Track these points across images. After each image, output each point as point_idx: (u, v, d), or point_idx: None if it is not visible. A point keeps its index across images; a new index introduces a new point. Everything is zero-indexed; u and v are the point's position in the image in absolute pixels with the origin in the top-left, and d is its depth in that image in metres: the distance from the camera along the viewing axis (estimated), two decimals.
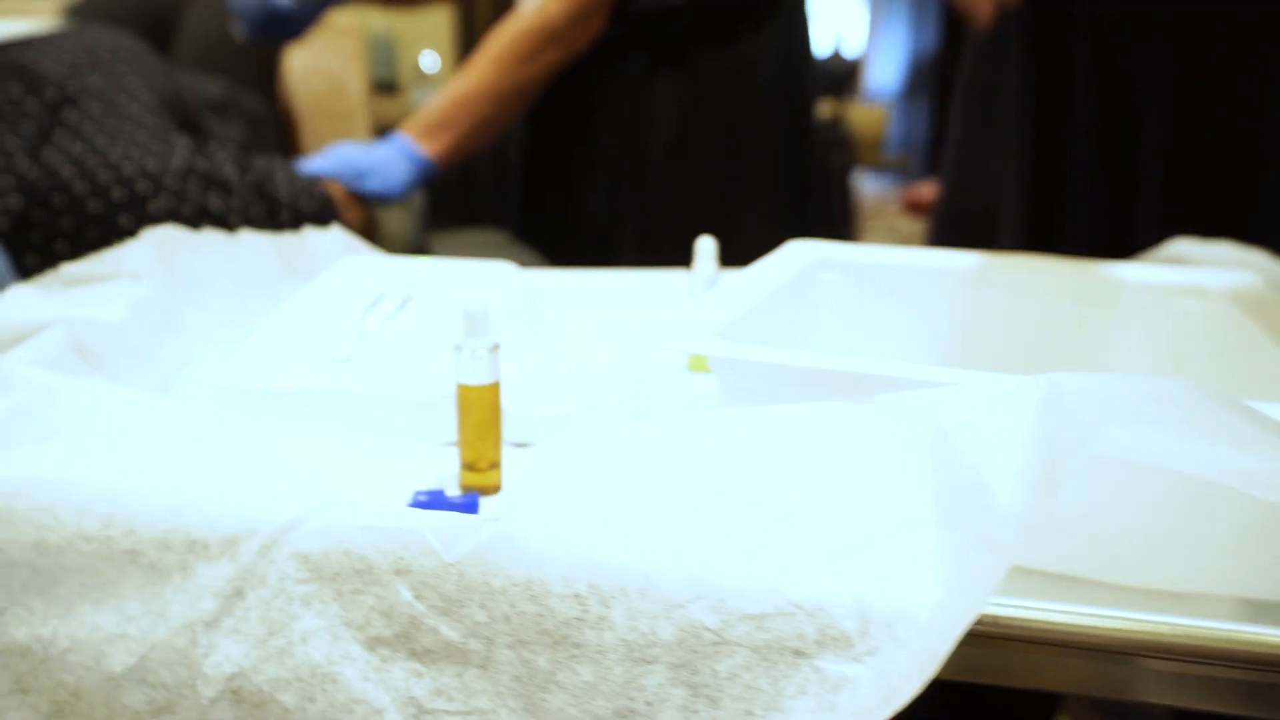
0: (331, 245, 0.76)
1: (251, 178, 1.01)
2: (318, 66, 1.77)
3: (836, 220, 2.51)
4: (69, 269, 0.55)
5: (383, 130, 2.48)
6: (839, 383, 0.43)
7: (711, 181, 1.47)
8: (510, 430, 0.54)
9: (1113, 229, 1.09)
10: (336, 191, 1.18)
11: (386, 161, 1.13)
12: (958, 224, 1.22)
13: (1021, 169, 1.19)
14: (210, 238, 0.63)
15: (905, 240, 5.17)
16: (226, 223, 0.96)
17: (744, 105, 1.45)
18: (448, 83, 1.22)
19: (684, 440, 0.40)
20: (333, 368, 0.58)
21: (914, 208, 2.81)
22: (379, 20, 4.68)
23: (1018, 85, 1.15)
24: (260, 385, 0.56)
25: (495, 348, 0.49)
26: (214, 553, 0.35)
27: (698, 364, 0.72)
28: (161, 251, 0.59)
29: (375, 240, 1.25)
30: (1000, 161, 1.17)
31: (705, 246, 0.70)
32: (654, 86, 1.45)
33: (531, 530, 0.33)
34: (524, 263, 1.35)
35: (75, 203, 0.90)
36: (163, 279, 0.57)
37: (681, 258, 1.49)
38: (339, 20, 1.80)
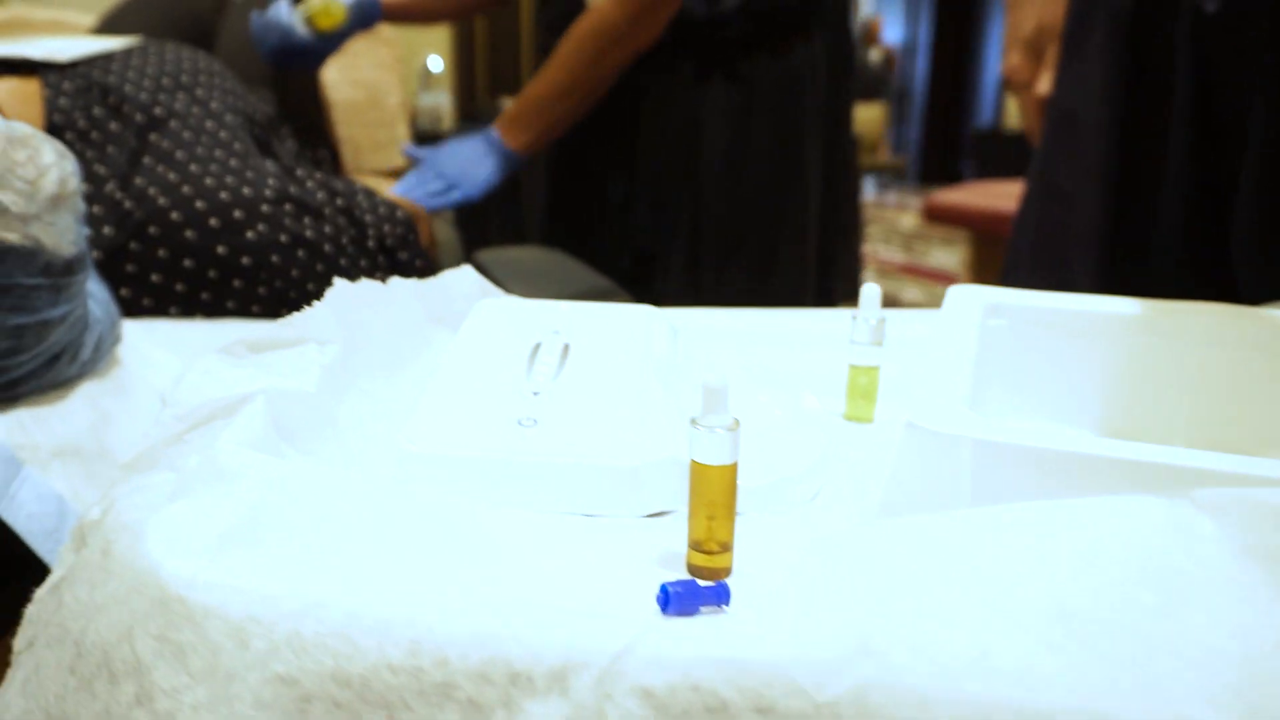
0: (467, 287, 0.72)
1: (340, 203, 0.97)
2: (356, 78, 1.72)
3: (848, 226, 2.51)
4: (255, 335, 0.51)
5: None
6: (1136, 474, 0.41)
7: (762, 190, 1.46)
8: None
9: (1202, 251, 1.07)
10: (412, 209, 1.15)
11: (475, 160, 1.18)
12: (1043, 244, 1.20)
13: (1102, 190, 1.17)
14: (371, 289, 0.60)
15: (909, 240, 5.16)
16: (320, 250, 0.93)
17: (794, 113, 1.44)
18: (525, 83, 1.27)
19: (993, 543, 0.38)
20: (520, 431, 0.54)
21: (938, 215, 2.80)
22: None
23: (1102, 97, 1.13)
24: (449, 452, 0.52)
25: (736, 425, 0.46)
26: (541, 687, 0.32)
27: (856, 413, 0.69)
28: (341, 311, 0.55)
29: (436, 256, 1.22)
30: (1082, 179, 1.15)
31: (870, 293, 0.67)
32: (705, 96, 1.43)
33: (915, 665, 0.31)
34: (593, 285, 1.31)
35: (172, 232, 0.86)
36: (344, 341, 0.54)
37: (730, 270, 1.45)
38: (379, 30, 1.75)
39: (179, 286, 0.90)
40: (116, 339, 0.80)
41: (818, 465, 0.56)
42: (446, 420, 0.55)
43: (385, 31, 1.79)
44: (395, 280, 0.64)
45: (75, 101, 0.92)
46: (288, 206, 0.91)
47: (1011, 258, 1.21)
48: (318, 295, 0.90)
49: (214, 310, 0.93)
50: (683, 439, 0.48)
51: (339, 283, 0.58)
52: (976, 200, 2.71)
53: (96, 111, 0.92)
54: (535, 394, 0.59)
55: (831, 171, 1.51)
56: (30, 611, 0.41)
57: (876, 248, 4.98)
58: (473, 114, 3.73)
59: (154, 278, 0.89)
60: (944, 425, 0.45)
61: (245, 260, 0.89)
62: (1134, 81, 1.08)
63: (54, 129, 0.91)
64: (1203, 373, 0.67)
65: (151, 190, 0.88)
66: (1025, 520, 0.38)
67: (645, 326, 0.69)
